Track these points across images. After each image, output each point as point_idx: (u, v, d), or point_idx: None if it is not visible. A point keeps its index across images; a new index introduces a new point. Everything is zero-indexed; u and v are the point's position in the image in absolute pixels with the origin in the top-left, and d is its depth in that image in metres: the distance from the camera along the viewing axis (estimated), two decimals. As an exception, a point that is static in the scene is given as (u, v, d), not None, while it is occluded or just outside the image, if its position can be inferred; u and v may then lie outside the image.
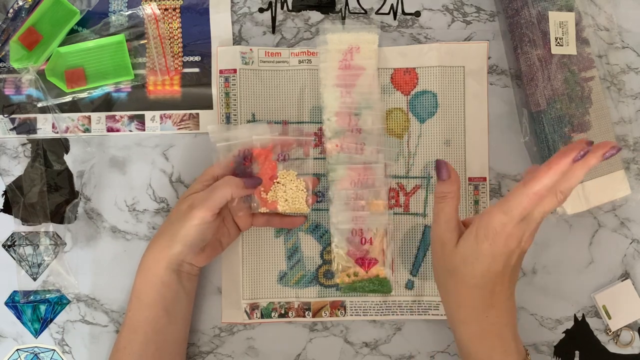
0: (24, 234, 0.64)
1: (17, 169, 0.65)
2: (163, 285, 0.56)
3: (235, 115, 0.64)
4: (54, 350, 0.64)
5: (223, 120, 0.64)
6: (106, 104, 0.65)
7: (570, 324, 0.65)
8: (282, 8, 0.66)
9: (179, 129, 0.65)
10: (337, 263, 0.63)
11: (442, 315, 0.64)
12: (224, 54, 0.65)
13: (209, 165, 0.64)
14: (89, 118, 0.65)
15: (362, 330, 0.64)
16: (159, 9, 0.65)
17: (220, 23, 0.65)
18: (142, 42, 0.64)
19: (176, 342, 0.59)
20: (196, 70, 0.65)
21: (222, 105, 0.64)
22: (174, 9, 0.66)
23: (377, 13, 0.66)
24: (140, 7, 0.64)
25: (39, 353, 0.64)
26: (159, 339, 0.57)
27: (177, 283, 0.57)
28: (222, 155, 0.58)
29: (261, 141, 0.59)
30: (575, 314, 0.65)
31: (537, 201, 0.47)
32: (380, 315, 0.64)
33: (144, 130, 0.65)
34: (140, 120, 0.65)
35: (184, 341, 0.61)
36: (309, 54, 0.65)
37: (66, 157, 0.65)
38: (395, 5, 0.66)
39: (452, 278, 0.51)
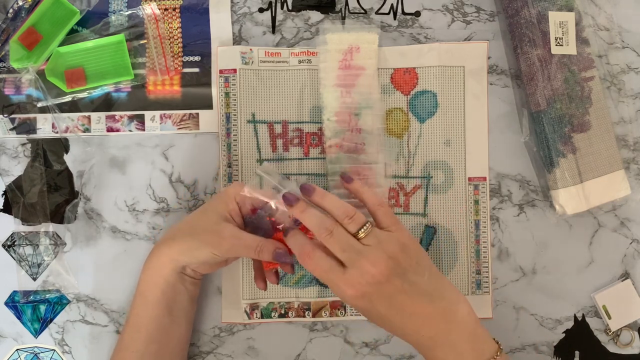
0: (24, 234, 0.64)
1: (17, 169, 0.65)
2: (167, 285, 0.57)
3: (235, 115, 0.64)
4: (54, 350, 0.64)
5: (223, 120, 0.64)
6: (106, 104, 0.65)
7: (570, 324, 0.65)
8: (282, 8, 0.66)
9: (179, 129, 0.65)
10: (337, 263, 0.63)
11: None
12: (224, 54, 0.65)
13: (208, 164, 0.64)
14: (88, 118, 0.65)
15: (362, 330, 0.64)
16: (159, 9, 0.65)
17: (220, 23, 0.65)
18: (142, 42, 0.64)
19: (178, 343, 0.59)
20: (196, 70, 0.65)
21: (222, 105, 0.64)
22: (174, 9, 0.66)
23: (377, 13, 0.66)
24: (140, 7, 0.64)
25: (39, 353, 0.64)
26: (162, 338, 0.57)
27: (181, 284, 0.57)
28: (250, 187, 0.56)
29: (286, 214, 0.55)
30: (575, 314, 0.65)
31: None
32: (380, 315, 0.64)
33: (143, 130, 0.65)
34: (140, 120, 0.65)
35: (186, 342, 0.61)
36: (309, 54, 0.65)
37: (66, 157, 0.65)
38: (395, 5, 0.66)
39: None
